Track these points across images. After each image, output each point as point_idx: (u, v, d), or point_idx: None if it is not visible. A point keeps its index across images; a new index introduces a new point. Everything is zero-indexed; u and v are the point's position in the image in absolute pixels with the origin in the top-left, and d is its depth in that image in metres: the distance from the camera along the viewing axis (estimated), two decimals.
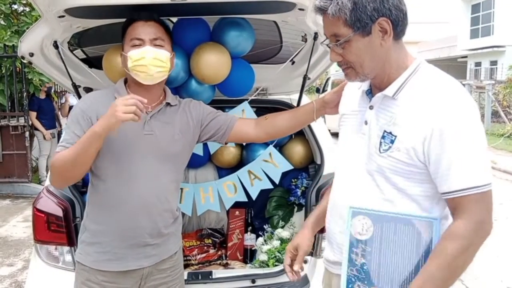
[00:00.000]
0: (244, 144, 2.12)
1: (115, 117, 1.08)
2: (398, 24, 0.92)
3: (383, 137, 0.96)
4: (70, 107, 5.95)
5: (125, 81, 1.35)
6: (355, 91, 1.10)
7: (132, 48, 1.25)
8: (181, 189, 1.93)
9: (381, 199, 0.97)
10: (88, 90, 1.90)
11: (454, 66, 18.58)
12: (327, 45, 0.98)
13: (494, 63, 16.85)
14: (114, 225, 1.26)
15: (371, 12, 0.89)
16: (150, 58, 1.23)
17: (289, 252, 1.20)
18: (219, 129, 1.40)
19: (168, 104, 1.33)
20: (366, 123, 1.01)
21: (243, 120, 1.44)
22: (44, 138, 5.14)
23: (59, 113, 5.79)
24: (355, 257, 0.95)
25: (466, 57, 18.90)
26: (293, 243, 1.20)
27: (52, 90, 5.38)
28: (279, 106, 1.98)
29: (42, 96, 5.21)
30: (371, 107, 1.01)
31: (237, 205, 2.02)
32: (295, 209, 2.06)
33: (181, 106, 1.38)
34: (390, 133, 0.94)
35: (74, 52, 1.78)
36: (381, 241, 0.94)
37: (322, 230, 1.69)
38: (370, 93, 1.04)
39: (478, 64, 18.16)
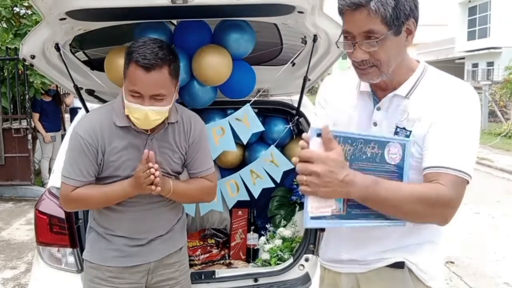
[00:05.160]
0: (246, 145, 2.14)
1: (143, 189, 1.20)
2: (416, 28, 0.95)
3: (396, 132, 0.97)
4: (71, 109, 5.95)
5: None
6: (347, 88, 1.06)
7: (130, 96, 1.16)
8: None
9: None
10: (90, 92, 1.91)
11: (452, 68, 18.65)
12: (352, 43, 0.93)
13: (490, 64, 16.95)
14: (123, 229, 1.30)
15: (408, 12, 0.91)
16: (147, 120, 1.18)
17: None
18: (191, 169, 1.34)
19: (169, 123, 1.28)
20: (375, 124, 1.01)
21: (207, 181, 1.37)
22: (44, 140, 5.14)
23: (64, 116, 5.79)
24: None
25: (463, 58, 19.00)
26: None
27: (53, 93, 5.37)
28: (280, 107, 2.00)
29: (46, 98, 5.22)
30: (378, 109, 1.01)
31: (239, 205, 2.03)
32: (297, 208, 2.07)
33: (184, 123, 1.31)
34: (404, 128, 0.96)
35: (76, 54, 1.79)
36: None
37: (323, 229, 1.72)
38: (375, 94, 1.03)
39: (475, 65, 18.26)
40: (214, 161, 2.13)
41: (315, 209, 0.85)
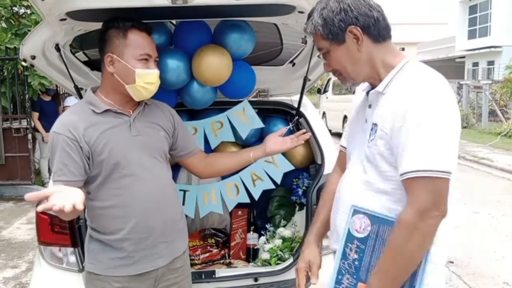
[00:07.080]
0: (246, 145, 2.14)
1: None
2: (370, 29, 1.00)
3: (371, 129, 1.02)
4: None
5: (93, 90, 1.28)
6: (360, 93, 1.17)
7: (139, 63, 1.21)
8: (184, 191, 1.95)
9: (363, 181, 1.03)
10: None
11: (452, 67, 18.67)
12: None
13: (491, 63, 16.94)
14: (127, 231, 1.23)
15: (338, 23, 1.01)
16: (157, 84, 1.25)
17: (303, 271, 1.20)
18: (184, 149, 1.41)
19: (145, 104, 1.32)
20: (366, 121, 1.07)
21: (201, 154, 1.47)
22: (43, 140, 5.15)
23: None
24: (349, 251, 1.00)
25: (464, 57, 18.99)
26: (304, 260, 1.20)
27: (53, 93, 5.37)
28: (280, 107, 2.00)
29: (46, 98, 5.22)
30: (369, 106, 1.07)
31: (239, 205, 2.03)
32: (297, 208, 2.07)
33: (160, 107, 1.37)
34: (375, 123, 1.01)
35: (76, 54, 1.79)
36: (375, 241, 0.98)
37: None
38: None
39: (475, 64, 18.25)
40: None
41: None
